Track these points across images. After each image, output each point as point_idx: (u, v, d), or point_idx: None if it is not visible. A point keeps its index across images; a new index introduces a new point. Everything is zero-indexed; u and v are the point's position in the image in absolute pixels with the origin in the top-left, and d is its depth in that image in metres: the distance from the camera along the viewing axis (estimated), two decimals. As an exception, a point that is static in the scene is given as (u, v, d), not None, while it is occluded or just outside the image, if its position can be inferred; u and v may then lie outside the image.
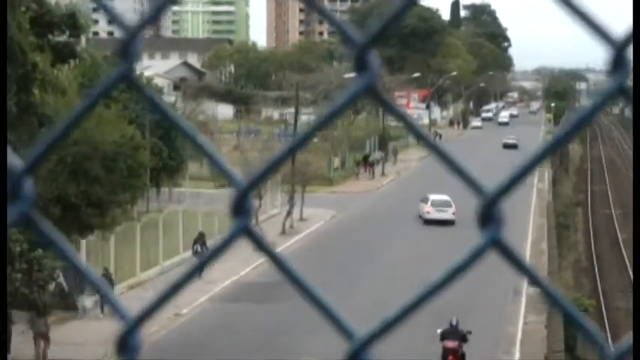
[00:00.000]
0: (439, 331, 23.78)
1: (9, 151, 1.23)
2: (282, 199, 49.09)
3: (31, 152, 1.21)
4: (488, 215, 1.09)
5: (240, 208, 1.16)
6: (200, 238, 37.12)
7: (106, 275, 29.43)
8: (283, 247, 40.46)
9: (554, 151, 1.07)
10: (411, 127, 1.11)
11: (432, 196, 46.90)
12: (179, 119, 1.16)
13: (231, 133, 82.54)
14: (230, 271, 35.30)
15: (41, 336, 25.53)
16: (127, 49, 1.17)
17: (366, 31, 1.10)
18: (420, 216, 47.57)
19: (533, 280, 1.09)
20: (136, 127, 39.14)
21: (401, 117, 1.12)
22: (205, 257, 1.17)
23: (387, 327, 1.08)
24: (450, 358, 23.73)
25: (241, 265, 36.84)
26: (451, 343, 23.73)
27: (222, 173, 1.15)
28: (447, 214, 44.91)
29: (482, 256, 1.11)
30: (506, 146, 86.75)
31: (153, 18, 1.18)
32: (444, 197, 45.87)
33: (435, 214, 45.73)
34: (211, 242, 37.60)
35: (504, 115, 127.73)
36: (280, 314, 29.29)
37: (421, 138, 1.10)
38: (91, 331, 27.59)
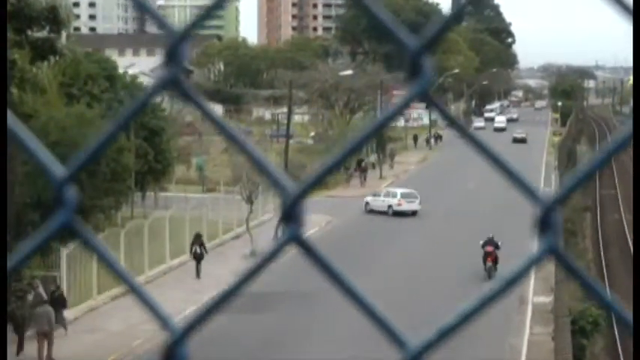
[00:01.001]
0: (481, 242, 37.57)
1: (52, 158, 1.25)
2: (274, 203, 49.10)
3: (74, 159, 1.23)
4: (545, 224, 1.11)
5: (291, 216, 1.18)
6: (197, 239, 37.58)
7: (55, 293, 28.67)
8: (276, 255, 40.42)
9: (615, 154, 1.11)
10: (464, 133, 1.14)
11: (400, 190, 54.13)
12: (227, 125, 1.19)
13: (220, 135, 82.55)
14: (219, 280, 35.32)
15: (44, 335, 25.97)
16: (174, 53, 1.19)
17: (421, 36, 1.13)
18: (371, 209, 52.90)
19: (591, 291, 1.12)
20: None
21: (454, 123, 1.15)
22: (255, 266, 1.19)
23: (442, 336, 1.10)
24: (489, 258, 37.10)
25: (230, 274, 36.89)
26: (489, 248, 37.20)
27: (272, 180, 1.17)
28: (415, 205, 52.55)
29: (539, 264, 1.15)
30: (516, 140, 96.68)
31: (201, 21, 1.20)
32: (411, 190, 53.87)
33: (405, 206, 52.41)
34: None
35: (500, 120, 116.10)
36: (273, 325, 29.32)
37: (476, 144, 1.13)
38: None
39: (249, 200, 43.32)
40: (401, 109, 1.15)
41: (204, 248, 37.55)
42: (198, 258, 36.87)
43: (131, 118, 1.22)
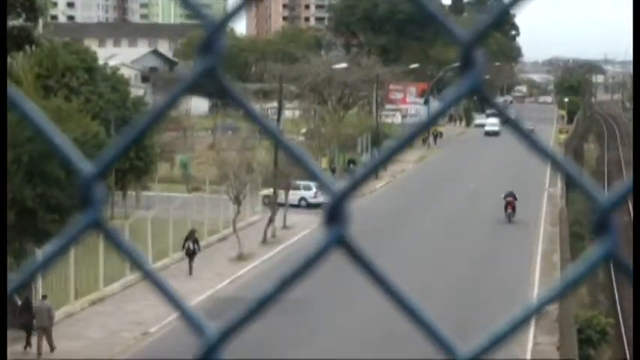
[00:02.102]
0: (502, 194, 50.74)
1: (79, 155, 1.26)
2: (263, 204, 49.15)
3: (103, 156, 1.24)
4: (603, 226, 1.12)
5: (335, 217, 1.18)
6: (191, 236, 38.10)
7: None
8: (264, 259, 40.50)
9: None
10: (519, 130, 1.15)
11: (314, 184, 59.79)
12: (266, 122, 1.19)
13: (206, 130, 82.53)
14: (205, 285, 35.32)
15: (44, 331, 27.29)
16: (210, 44, 1.20)
17: (473, 28, 1.14)
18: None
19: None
20: (100, 123, 39.06)
21: (508, 119, 1.15)
22: (297, 269, 1.19)
23: (494, 342, 1.10)
24: (509, 207, 50.19)
25: (217, 278, 36.90)
26: (509, 198, 50.36)
27: (315, 179, 1.17)
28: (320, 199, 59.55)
29: (597, 267, 1.15)
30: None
31: (239, 10, 1.21)
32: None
33: (321, 199, 57.55)
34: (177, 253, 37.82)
35: (492, 123, 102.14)
36: (262, 333, 29.29)
37: (531, 143, 1.13)
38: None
39: (237, 200, 43.26)
40: (452, 104, 1.16)
41: (198, 245, 38.08)
42: (190, 255, 37.45)
43: (164, 112, 1.23)
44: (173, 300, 1.27)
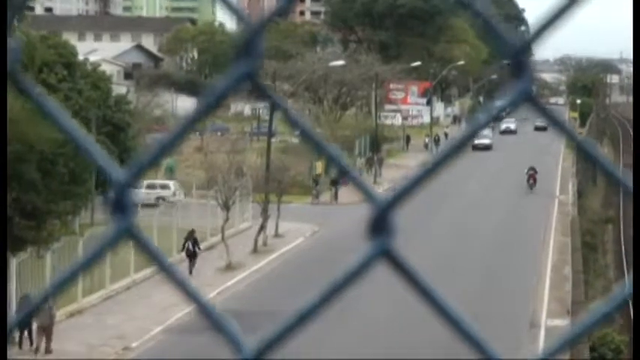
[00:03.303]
0: (525, 170, 65.07)
1: (111, 161, 1.28)
2: (254, 210, 49.13)
3: (135, 162, 1.26)
4: None
5: (380, 228, 1.20)
6: (191, 236, 38.91)
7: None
8: (255, 269, 40.48)
9: None
10: (572, 137, 1.17)
11: (172, 182, 60.86)
12: (308, 127, 1.21)
13: (193, 131, 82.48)
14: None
15: (44, 329, 28.40)
16: (249, 47, 1.22)
17: (523, 34, 1.17)
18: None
19: None
20: (79, 122, 38.91)
21: (559, 126, 1.17)
22: (339, 283, 1.21)
23: (557, 351, 1.11)
24: (531, 179, 64.50)
25: (203, 288, 36.88)
26: (531, 172, 64.56)
27: (360, 189, 1.19)
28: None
29: None
30: (537, 129, 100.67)
31: (278, 13, 1.23)
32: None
33: (181, 196, 59.06)
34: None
35: (482, 134, 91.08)
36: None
37: (584, 151, 1.15)
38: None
39: (226, 206, 43.24)
40: (503, 111, 1.18)
41: (198, 246, 38.99)
42: (190, 256, 38.04)
43: (200, 119, 1.24)
44: (209, 314, 1.29)
